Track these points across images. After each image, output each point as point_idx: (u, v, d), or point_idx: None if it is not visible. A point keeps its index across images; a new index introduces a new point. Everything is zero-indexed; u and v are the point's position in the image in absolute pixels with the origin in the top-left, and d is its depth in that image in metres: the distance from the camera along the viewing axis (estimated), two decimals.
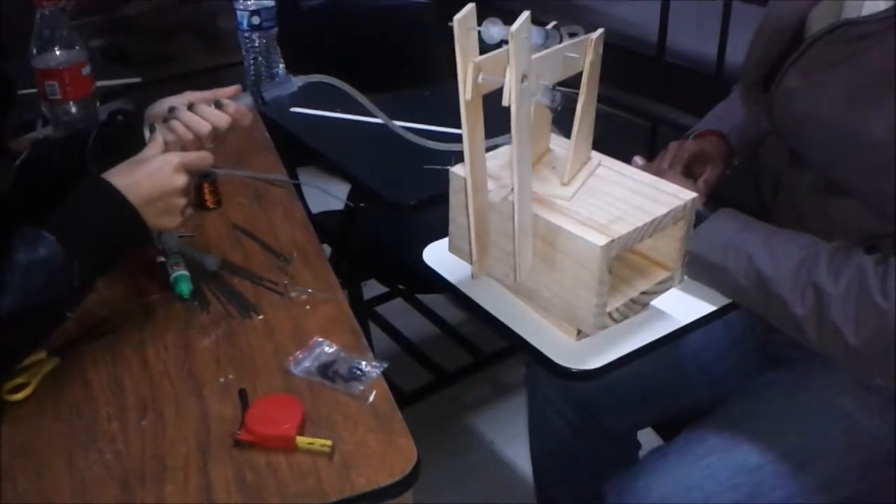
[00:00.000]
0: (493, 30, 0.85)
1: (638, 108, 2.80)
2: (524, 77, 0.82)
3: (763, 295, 1.01)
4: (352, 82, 1.20)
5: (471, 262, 1.00)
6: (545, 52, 0.88)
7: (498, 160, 1.01)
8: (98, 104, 1.49)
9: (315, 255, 1.25)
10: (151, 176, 0.98)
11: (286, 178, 1.47)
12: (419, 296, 2.41)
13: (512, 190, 0.95)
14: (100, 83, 1.52)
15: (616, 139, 1.33)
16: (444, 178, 1.04)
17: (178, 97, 1.10)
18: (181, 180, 1.00)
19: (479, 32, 0.85)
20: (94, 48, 1.55)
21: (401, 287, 2.36)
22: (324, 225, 1.51)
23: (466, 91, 0.85)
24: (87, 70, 1.44)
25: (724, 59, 2.60)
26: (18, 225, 0.93)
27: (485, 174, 0.94)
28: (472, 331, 2.35)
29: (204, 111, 1.07)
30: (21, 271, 0.90)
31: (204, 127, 1.06)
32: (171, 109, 1.07)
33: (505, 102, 0.83)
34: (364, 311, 2.16)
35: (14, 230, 0.93)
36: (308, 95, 1.50)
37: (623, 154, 1.09)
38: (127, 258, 1.03)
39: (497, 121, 0.93)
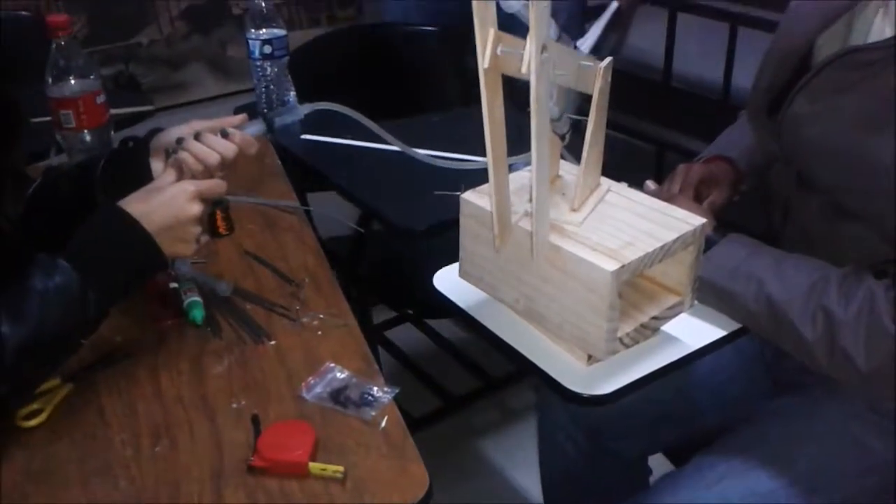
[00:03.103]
0: None
1: (644, 132, 2.82)
2: (544, 47, 0.80)
3: (773, 320, 1.01)
4: (361, 109, 1.22)
5: (493, 241, 0.99)
6: (562, 45, 0.88)
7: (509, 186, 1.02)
8: (112, 132, 1.51)
9: (326, 281, 1.26)
10: (167, 204, 0.99)
11: (297, 204, 1.48)
12: (427, 320, 2.42)
13: (525, 214, 0.96)
14: (113, 111, 1.54)
15: (622, 164, 1.34)
16: (454, 203, 1.05)
17: (184, 127, 1.11)
18: (196, 208, 1.01)
19: (498, 3, 0.84)
20: (105, 76, 1.57)
21: (409, 312, 2.36)
22: (333, 250, 1.52)
23: (485, 59, 0.84)
24: (101, 99, 1.45)
25: (731, 84, 2.62)
26: (33, 252, 0.94)
27: (504, 151, 0.92)
28: (480, 355, 2.35)
29: (211, 141, 1.08)
30: (37, 299, 0.91)
31: (212, 157, 1.07)
32: (179, 140, 1.08)
33: (524, 70, 0.81)
34: (373, 336, 2.17)
35: (29, 258, 0.94)
36: (318, 122, 1.52)
37: (629, 178, 1.10)
38: (142, 285, 1.04)
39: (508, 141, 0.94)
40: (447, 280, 1.17)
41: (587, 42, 1.04)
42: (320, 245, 1.37)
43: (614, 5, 1.87)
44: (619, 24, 2.06)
